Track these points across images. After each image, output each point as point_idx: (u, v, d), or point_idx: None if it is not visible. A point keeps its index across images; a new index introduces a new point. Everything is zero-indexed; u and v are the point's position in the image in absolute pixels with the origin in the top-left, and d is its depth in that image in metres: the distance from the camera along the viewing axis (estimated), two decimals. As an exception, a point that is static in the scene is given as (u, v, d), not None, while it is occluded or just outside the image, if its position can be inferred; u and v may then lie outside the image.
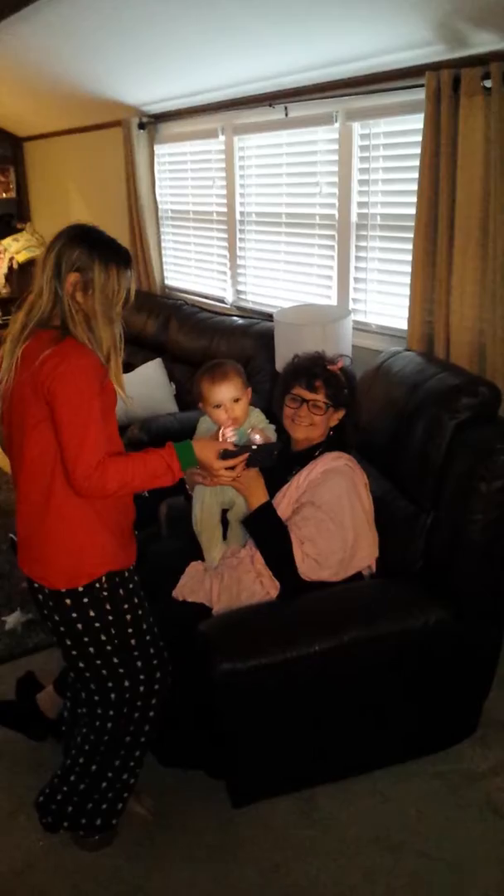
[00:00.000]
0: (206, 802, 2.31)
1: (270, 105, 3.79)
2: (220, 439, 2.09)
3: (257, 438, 2.18)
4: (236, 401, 2.22)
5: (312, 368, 2.43)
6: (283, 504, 2.34)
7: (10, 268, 6.56)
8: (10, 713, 2.49)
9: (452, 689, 2.35)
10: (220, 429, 2.14)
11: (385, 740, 2.37)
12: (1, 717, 2.48)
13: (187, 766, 2.34)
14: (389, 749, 2.39)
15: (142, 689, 2.05)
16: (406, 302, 3.14)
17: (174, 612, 2.32)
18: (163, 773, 2.35)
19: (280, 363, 3.27)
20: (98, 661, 2.00)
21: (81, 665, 2.02)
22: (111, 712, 2.06)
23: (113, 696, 2.04)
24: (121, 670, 2.02)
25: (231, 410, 2.22)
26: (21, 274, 6.38)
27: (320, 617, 2.21)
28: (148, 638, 2.05)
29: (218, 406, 2.22)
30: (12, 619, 3.19)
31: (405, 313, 3.16)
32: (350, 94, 3.35)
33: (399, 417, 2.56)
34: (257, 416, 2.36)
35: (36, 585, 1.99)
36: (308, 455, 2.41)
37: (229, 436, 2.12)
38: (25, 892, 2.07)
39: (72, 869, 2.13)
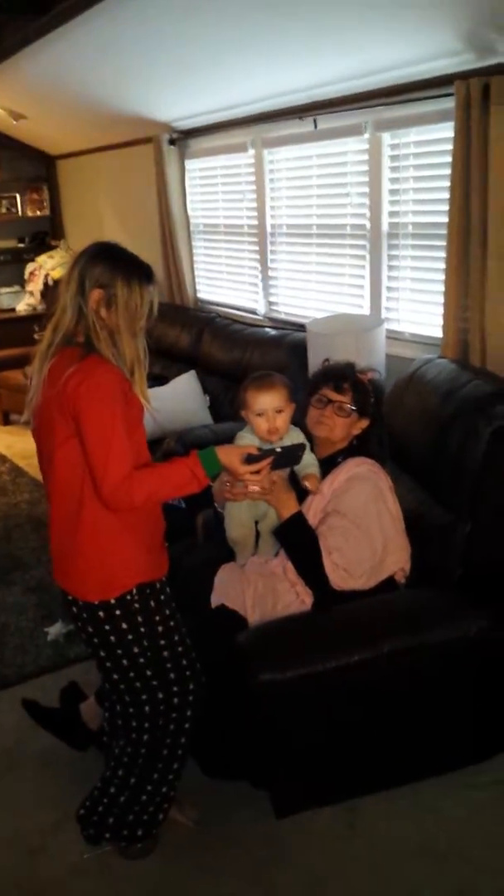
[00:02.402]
0: (249, 812, 2.31)
1: (300, 118, 3.81)
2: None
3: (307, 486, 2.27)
4: (279, 412, 2.23)
5: (342, 372, 2.46)
6: (310, 514, 2.35)
7: (46, 284, 6.66)
8: (54, 721, 2.52)
9: (495, 698, 2.33)
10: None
11: (427, 750, 2.36)
12: (45, 723, 2.52)
13: (231, 777, 2.35)
14: (432, 759, 2.37)
15: (175, 700, 2.07)
16: (440, 310, 3.14)
17: (212, 622, 2.34)
18: (206, 782, 2.36)
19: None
20: (131, 674, 2.02)
21: (115, 677, 2.05)
22: (146, 724, 2.07)
23: (147, 708, 2.06)
24: (153, 682, 2.04)
25: (272, 420, 2.23)
26: (55, 290, 6.46)
27: (359, 627, 2.21)
28: (180, 649, 2.07)
29: (260, 414, 2.24)
30: (54, 631, 3.23)
31: (439, 321, 3.15)
32: (379, 105, 3.36)
33: (433, 425, 2.56)
34: (296, 435, 2.34)
35: (70, 597, 2.02)
36: (330, 463, 2.42)
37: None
38: (71, 902, 2.10)
39: (117, 878, 2.15)
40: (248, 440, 2.27)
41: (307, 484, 2.30)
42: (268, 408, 2.23)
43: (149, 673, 2.03)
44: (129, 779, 2.12)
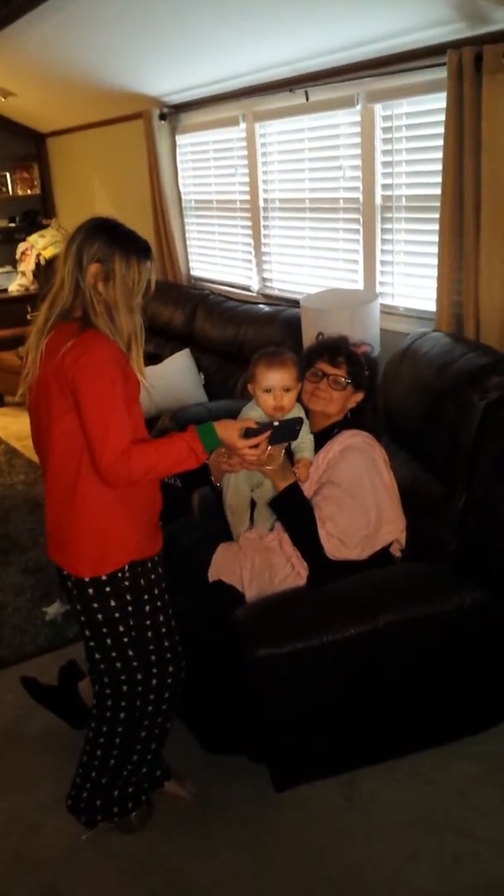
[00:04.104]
0: (248, 787, 2.33)
1: (291, 90, 3.77)
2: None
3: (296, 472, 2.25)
4: (287, 390, 2.24)
5: (336, 345, 2.46)
6: (306, 485, 2.35)
7: (38, 264, 6.61)
8: (53, 699, 2.54)
9: (491, 669, 2.34)
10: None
11: (425, 722, 2.37)
12: (43, 700, 2.54)
13: (229, 752, 2.36)
14: (430, 731, 2.39)
15: (154, 682, 2.08)
16: (434, 283, 3.12)
17: (209, 598, 2.35)
18: (205, 757, 2.38)
19: (308, 349, 3.27)
20: (113, 653, 2.03)
21: (97, 656, 2.05)
22: (123, 703, 2.08)
23: (125, 688, 2.06)
24: (134, 663, 2.04)
25: (279, 398, 2.23)
26: (48, 269, 6.42)
27: (355, 600, 2.22)
28: (164, 630, 2.08)
29: (267, 391, 2.24)
30: (52, 611, 3.24)
31: (433, 295, 3.14)
32: (371, 76, 3.33)
33: (428, 399, 2.55)
34: (296, 410, 2.34)
35: (64, 573, 2.03)
36: (326, 435, 2.42)
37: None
38: (71, 878, 2.11)
39: (117, 854, 2.16)
40: (257, 413, 2.27)
41: (297, 471, 2.30)
42: (276, 385, 2.23)
43: (130, 653, 2.03)
44: (108, 760, 2.13)
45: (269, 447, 2.13)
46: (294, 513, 2.31)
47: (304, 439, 2.35)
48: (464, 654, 2.30)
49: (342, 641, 2.12)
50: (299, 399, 2.38)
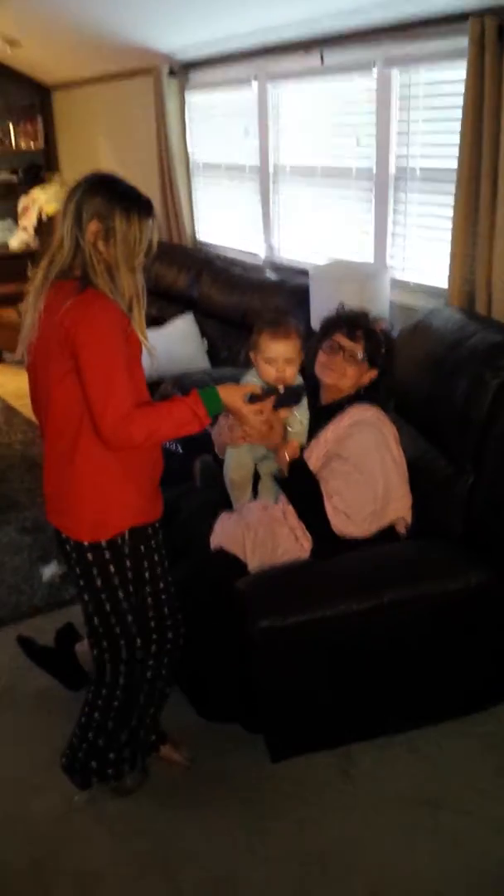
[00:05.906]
0: (243, 756, 2.33)
1: (305, 51, 3.68)
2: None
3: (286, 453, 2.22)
4: (289, 361, 2.20)
5: (356, 320, 2.42)
6: (313, 458, 2.33)
7: (40, 219, 6.50)
8: (49, 659, 2.55)
9: (493, 650, 2.35)
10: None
11: (424, 700, 2.37)
12: (40, 661, 2.55)
13: (226, 720, 2.37)
14: (428, 708, 2.39)
15: (153, 648, 2.07)
16: (446, 258, 3.07)
17: (209, 566, 2.33)
18: (201, 724, 2.38)
19: (315, 321, 3.23)
20: (112, 619, 2.02)
21: (96, 621, 2.04)
22: (121, 668, 2.08)
23: (123, 653, 2.06)
24: (133, 629, 2.04)
25: (281, 369, 2.19)
26: (50, 225, 6.32)
27: (360, 576, 2.21)
28: (163, 597, 2.07)
29: (270, 361, 2.20)
30: (49, 571, 3.24)
31: (445, 270, 3.09)
32: (390, 40, 3.24)
33: (438, 376, 2.53)
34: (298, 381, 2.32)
35: (63, 536, 2.01)
36: (336, 408, 2.39)
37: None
38: (62, 837, 2.12)
39: (109, 815, 2.18)
40: (256, 382, 2.24)
41: (286, 451, 2.26)
42: (279, 356, 2.19)
43: (129, 619, 2.03)
44: (105, 723, 2.13)
45: (273, 416, 2.11)
46: (299, 486, 2.29)
47: (298, 428, 2.31)
48: (466, 634, 2.30)
49: (345, 616, 2.12)
50: (304, 369, 2.35)
